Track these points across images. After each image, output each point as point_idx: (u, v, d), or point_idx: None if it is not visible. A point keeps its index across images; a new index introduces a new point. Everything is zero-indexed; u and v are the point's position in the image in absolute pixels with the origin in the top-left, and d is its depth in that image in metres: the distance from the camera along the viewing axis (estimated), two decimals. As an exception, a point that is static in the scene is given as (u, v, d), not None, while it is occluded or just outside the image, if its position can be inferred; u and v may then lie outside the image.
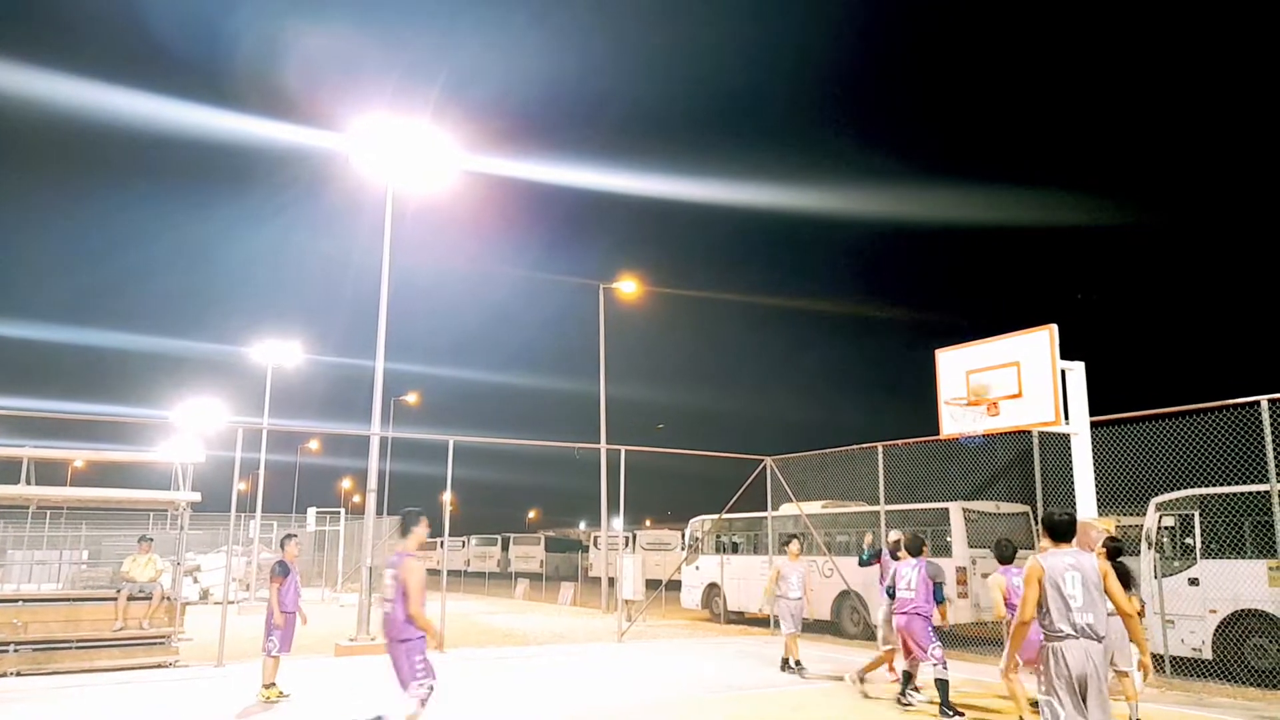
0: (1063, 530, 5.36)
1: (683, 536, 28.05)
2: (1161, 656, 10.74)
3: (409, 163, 15.60)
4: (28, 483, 11.61)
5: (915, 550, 9.41)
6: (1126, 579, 7.94)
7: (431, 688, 6.37)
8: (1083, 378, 9.33)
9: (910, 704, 9.05)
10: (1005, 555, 8.67)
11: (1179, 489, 11.11)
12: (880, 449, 14.60)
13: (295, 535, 10.10)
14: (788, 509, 17.41)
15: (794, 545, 11.89)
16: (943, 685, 8.69)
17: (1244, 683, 10.04)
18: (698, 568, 20.59)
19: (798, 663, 11.43)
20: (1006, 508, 15.08)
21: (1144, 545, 11.41)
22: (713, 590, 19.88)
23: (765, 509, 17.30)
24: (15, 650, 10.83)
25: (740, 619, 18.98)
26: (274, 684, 9.28)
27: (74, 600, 11.71)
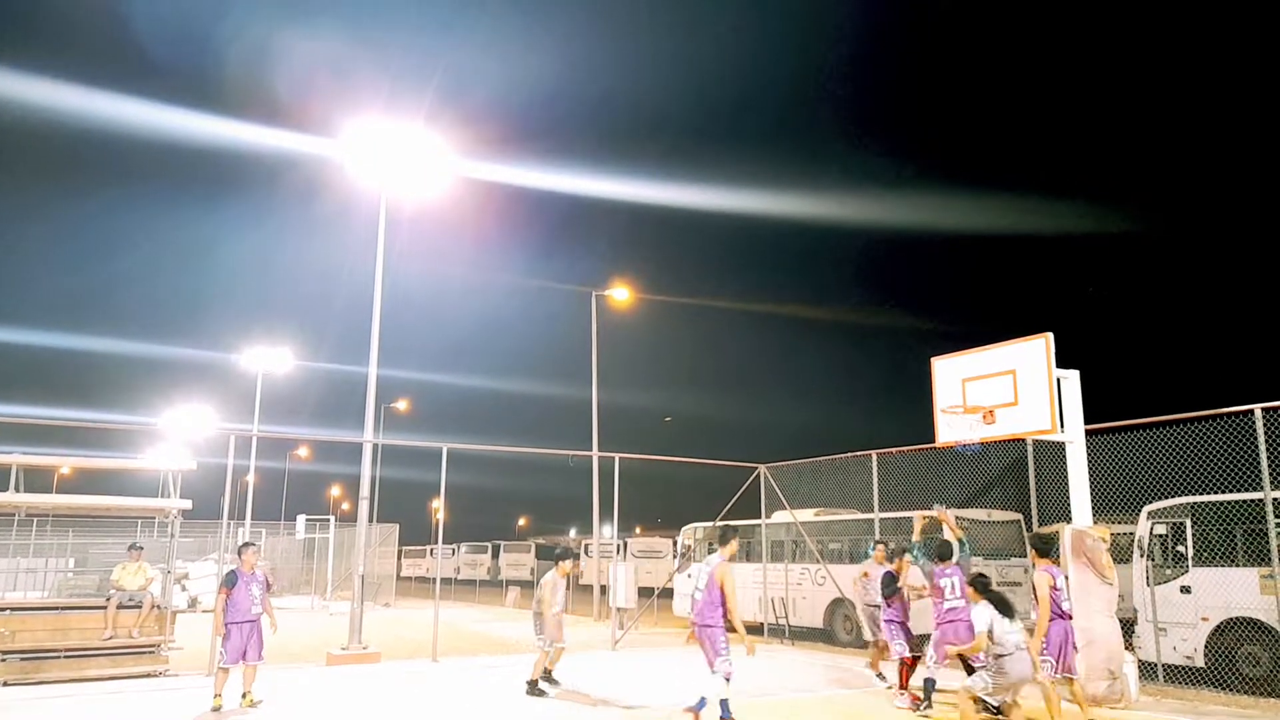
0: None
1: (674, 544, 28.01)
2: (1154, 664, 10.78)
3: (402, 168, 15.57)
4: (16, 489, 11.50)
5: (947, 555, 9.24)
6: (1006, 607, 7.42)
7: (732, 664, 7.53)
8: (1078, 386, 9.38)
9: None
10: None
11: (1173, 497, 11.17)
12: (874, 457, 14.64)
13: (254, 544, 9.97)
14: (781, 516, 17.42)
15: (566, 564, 11.03)
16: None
17: (1236, 690, 10.08)
18: (689, 575, 20.55)
19: (548, 674, 10.60)
20: (998, 515, 15.12)
21: (1136, 553, 11.46)
22: (705, 598, 19.81)
23: (759, 517, 17.28)
24: (3, 659, 10.70)
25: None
26: (220, 694, 9.14)
27: (63, 609, 11.59)
